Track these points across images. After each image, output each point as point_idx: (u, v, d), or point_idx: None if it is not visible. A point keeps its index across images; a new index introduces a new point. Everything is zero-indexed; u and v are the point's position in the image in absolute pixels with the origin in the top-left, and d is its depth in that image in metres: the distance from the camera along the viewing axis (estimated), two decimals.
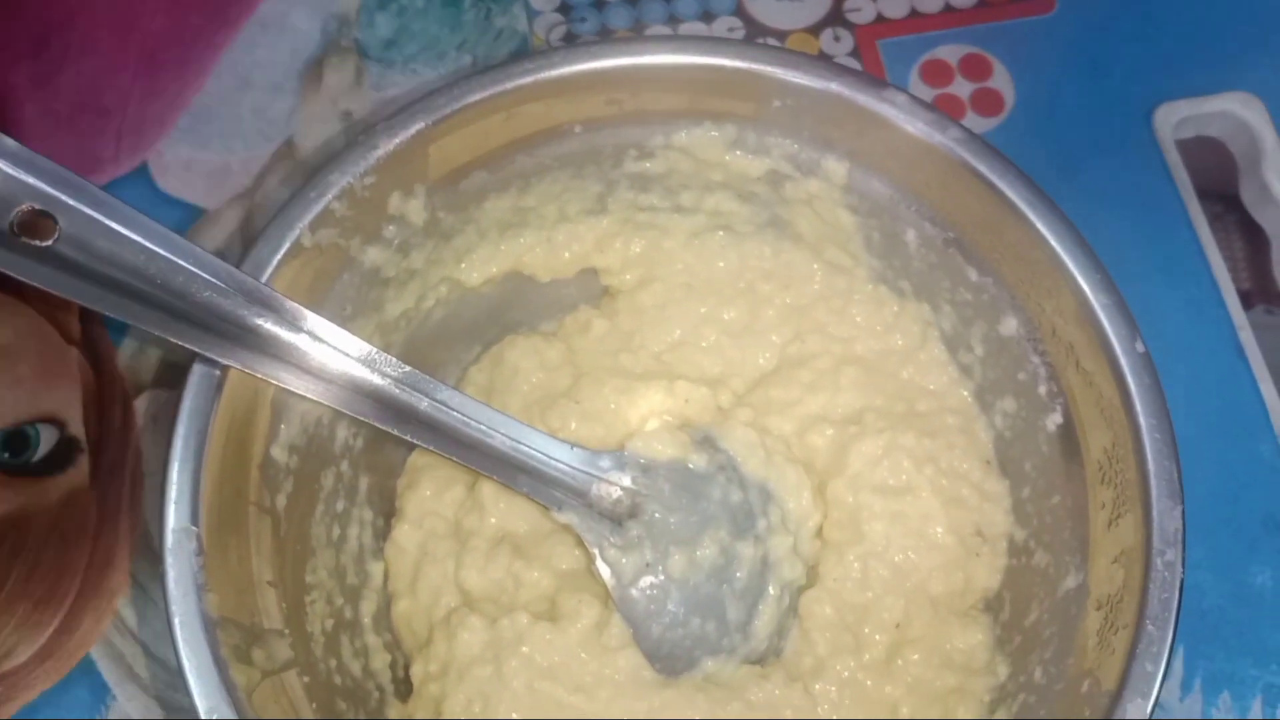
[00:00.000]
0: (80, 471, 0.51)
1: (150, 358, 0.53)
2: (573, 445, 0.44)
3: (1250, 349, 0.55)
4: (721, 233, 0.48)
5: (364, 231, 0.42)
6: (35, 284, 0.35)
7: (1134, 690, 0.35)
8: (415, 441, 0.42)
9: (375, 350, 0.40)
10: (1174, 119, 0.59)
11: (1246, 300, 0.58)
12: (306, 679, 0.38)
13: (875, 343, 0.47)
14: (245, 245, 0.41)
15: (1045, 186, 0.42)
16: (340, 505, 0.44)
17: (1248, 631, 0.50)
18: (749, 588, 0.44)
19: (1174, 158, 0.58)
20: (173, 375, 0.52)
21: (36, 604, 0.48)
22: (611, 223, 0.48)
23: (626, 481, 0.44)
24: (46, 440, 0.51)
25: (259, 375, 0.38)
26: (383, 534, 0.46)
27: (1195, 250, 0.57)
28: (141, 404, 0.52)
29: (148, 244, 0.36)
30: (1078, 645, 0.38)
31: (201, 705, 0.34)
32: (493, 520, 0.45)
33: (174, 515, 0.36)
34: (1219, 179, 0.63)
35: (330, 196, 0.40)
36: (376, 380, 0.40)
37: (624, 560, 0.44)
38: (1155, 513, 0.37)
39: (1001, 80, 0.59)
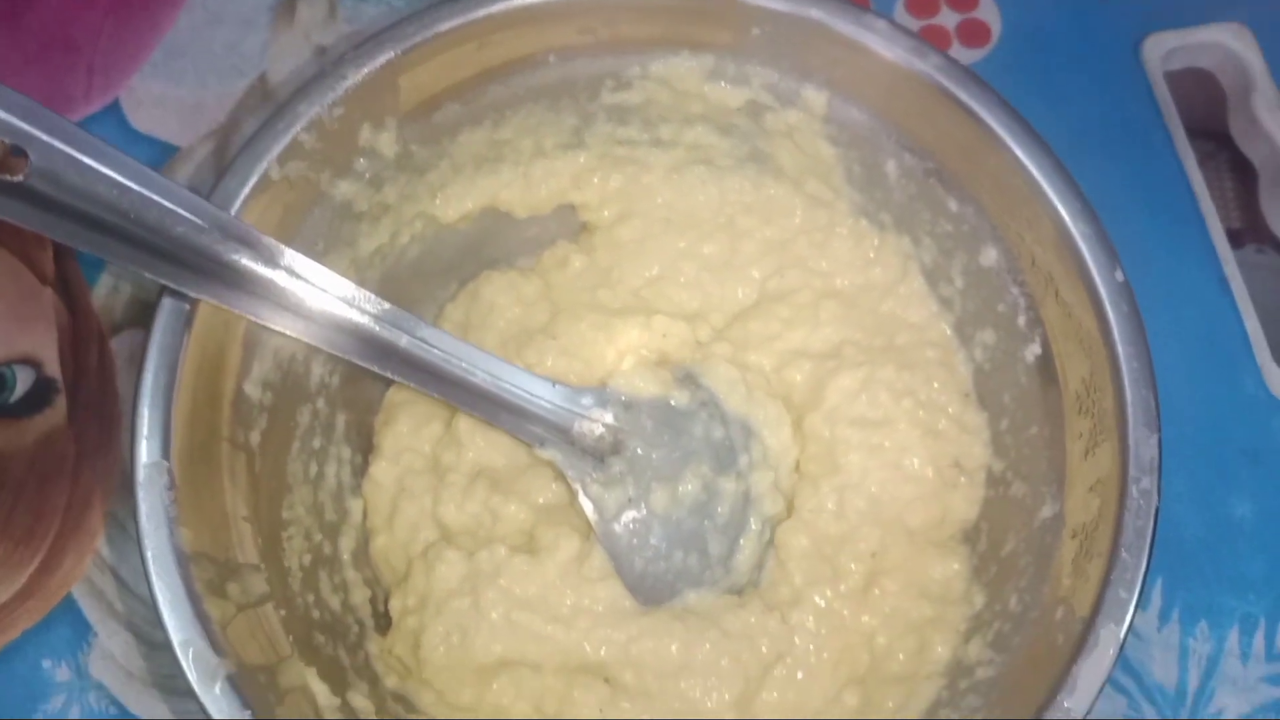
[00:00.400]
0: (57, 412, 0.50)
1: (125, 296, 0.53)
2: (554, 383, 0.43)
3: (1235, 282, 0.55)
4: (701, 167, 0.47)
5: (334, 165, 0.42)
6: (7, 219, 0.35)
7: (1107, 616, 0.35)
8: (396, 378, 0.41)
9: (354, 287, 0.40)
10: (1163, 50, 0.58)
11: (1237, 239, 0.58)
12: (283, 613, 0.38)
13: (855, 277, 0.47)
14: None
15: (1031, 119, 0.41)
16: (317, 442, 0.44)
17: (1226, 563, 0.51)
18: (731, 522, 0.45)
19: (1162, 90, 0.57)
20: (148, 314, 0.52)
21: (16, 544, 0.48)
22: (589, 158, 0.47)
23: (609, 418, 0.44)
24: (23, 381, 0.51)
25: (236, 311, 0.38)
26: (361, 471, 0.46)
27: (1181, 182, 0.56)
28: (118, 344, 0.52)
29: (121, 179, 0.36)
30: (1053, 573, 0.38)
31: (175, 637, 0.34)
32: (470, 455, 0.44)
33: (145, 450, 0.36)
34: (1209, 116, 0.62)
35: (298, 128, 0.39)
36: (356, 317, 0.40)
37: (606, 496, 0.44)
38: (1131, 441, 0.37)
39: (988, 10, 0.58)
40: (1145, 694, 0.49)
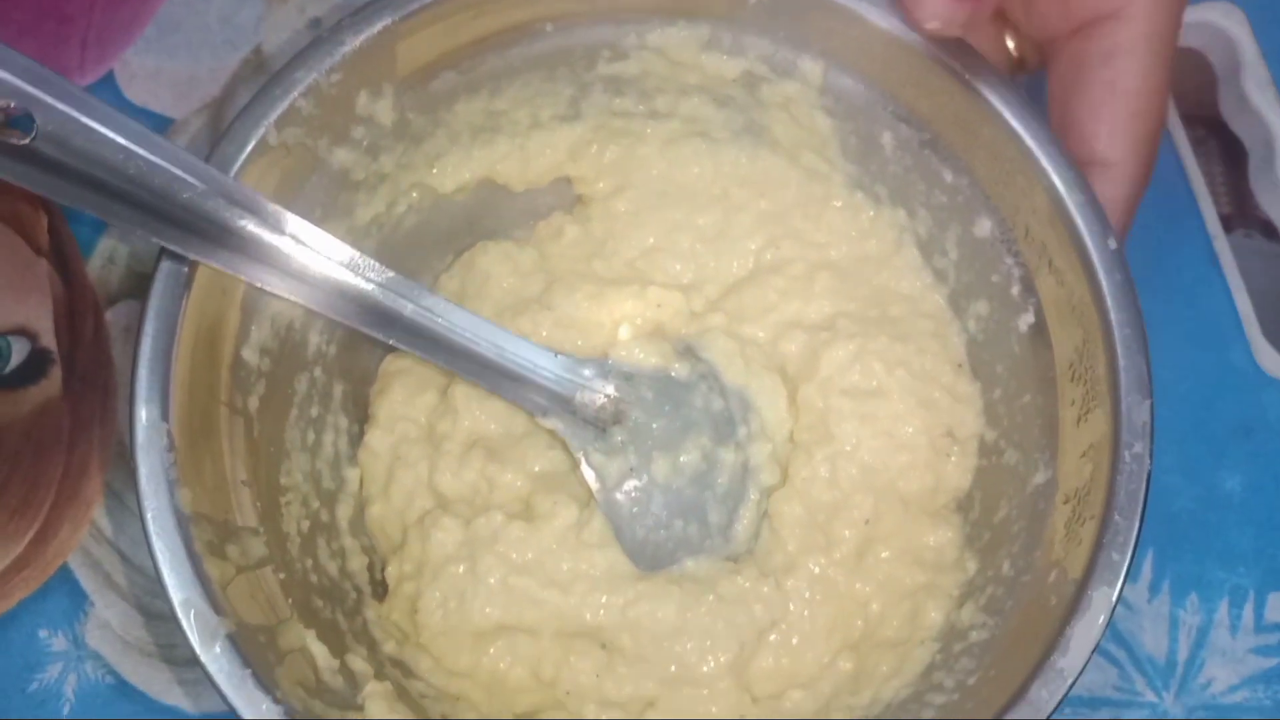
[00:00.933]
0: (53, 383, 0.50)
1: (120, 268, 0.53)
2: (556, 353, 0.44)
3: (1225, 258, 0.55)
4: (697, 139, 0.47)
5: (332, 131, 0.42)
6: (13, 181, 0.35)
7: (1099, 579, 0.35)
8: (400, 346, 0.41)
9: (358, 255, 0.40)
10: None
11: (1226, 225, 0.58)
12: (282, 576, 0.39)
13: (850, 249, 0.47)
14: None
15: None
16: (315, 411, 0.44)
17: (1216, 535, 0.51)
18: (730, 492, 0.45)
19: None
20: (144, 286, 0.52)
21: (12, 514, 0.48)
22: (585, 129, 0.47)
23: (610, 390, 0.44)
24: (18, 352, 0.51)
25: (242, 277, 0.38)
26: (358, 441, 0.46)
27: (1172, 160, 0.57)
28: (113, 315, 0.52)
29: (126, 143, 0.36)
30: (1045, 538, 0.39)
31: (176, 596, 0.34)
32: (465, 424, 0.45)
33: (144, 412, 0.36)
34: (1199, 101, 0.62)
35: (296, 94, 0.39)
36: (361, 284, 0.40)
37: (608, 465, 0.44)
38: (1124, 406, 0.37)
39: None
40: (1136, 664, 0.49)
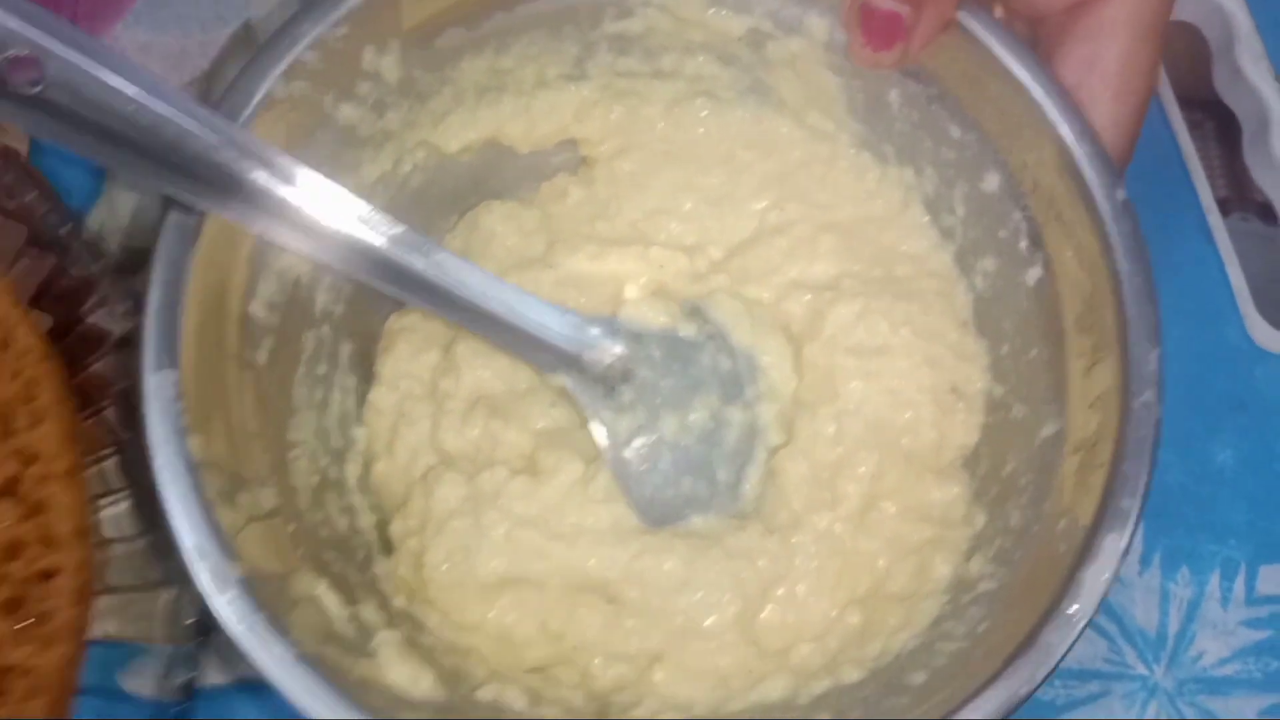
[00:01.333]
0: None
1: (112, 243, 0.52)
2: (565, 311, 0.43)
3: (1219, 234, 0.56)
4: (702, 100, 0.47)
5: (338, 86, 0.41)
6: (25, 130, 0.35)
7: (1109, 525, 0.35)
8: (409, 300, 0.41)
9: (370, 208, 0.39)
10: None
11: (1223, 208, 0.59)
12: (292, 527, 0.38)
13: (855, 209, 0.47)
14: None
15: None
16: (322, 369, 0.44)
17: (1208, 509, 0.51)
18: (738, 451, 0.45)
19: None
20: (137, 260, 0.51)
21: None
22: (591, 89, 0.47)
23: (619, 349, 0.44)
24: None
25: (254, 228, 0.38)
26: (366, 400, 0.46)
27: (1167, 138, 0.57)
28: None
29: (138, 93, 0.35)
30: (1055, 488, 0.39)
31: (187, 542, 0.34)
32: (468, 381, 0.44)
33: (153, 360, 0.35)
34: (1194, 82, 0.63)
35: (302, 46, 0.39)
36: (371, 238, 0.39)
37: (617, 422, 0.44)
38: (1132, 355, 0.37)
39: None
40: (1126, 637, 0.49)
